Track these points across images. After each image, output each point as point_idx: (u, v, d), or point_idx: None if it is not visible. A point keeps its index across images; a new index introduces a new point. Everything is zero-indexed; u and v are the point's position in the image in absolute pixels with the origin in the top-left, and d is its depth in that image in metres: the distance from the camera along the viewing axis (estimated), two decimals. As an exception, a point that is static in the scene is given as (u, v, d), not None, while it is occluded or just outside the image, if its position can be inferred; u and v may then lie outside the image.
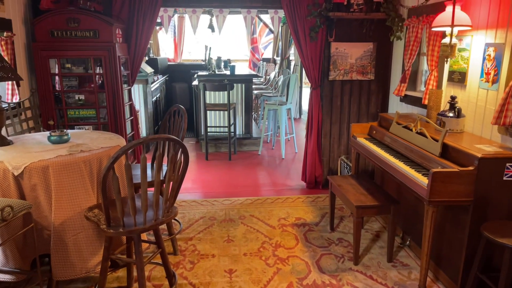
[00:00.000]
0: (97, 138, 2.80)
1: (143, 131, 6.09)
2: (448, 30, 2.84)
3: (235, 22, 9.16)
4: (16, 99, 3.41)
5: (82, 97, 3.84)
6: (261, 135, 6.17)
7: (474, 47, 2.87)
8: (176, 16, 8.95)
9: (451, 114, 2.91)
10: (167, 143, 2.95)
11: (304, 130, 7.70)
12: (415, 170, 2.66)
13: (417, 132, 2.95)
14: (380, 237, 3.43)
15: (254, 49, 10.99)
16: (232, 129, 5.91)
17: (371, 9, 4.08)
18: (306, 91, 9.95)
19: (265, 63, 10.28)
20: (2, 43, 3.23)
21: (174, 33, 10.39)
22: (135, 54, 4.07)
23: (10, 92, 3.38)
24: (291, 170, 5.33)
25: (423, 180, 2.48)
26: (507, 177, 2.35)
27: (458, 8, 2.73)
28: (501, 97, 2.50)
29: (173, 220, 3.43)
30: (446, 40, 2.84)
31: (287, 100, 6.38)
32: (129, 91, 4.14)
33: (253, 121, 7.31)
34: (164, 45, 10.35)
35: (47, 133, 2.77)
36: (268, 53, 11.04)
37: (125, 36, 3.99)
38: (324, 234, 3.47)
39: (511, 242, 2.09)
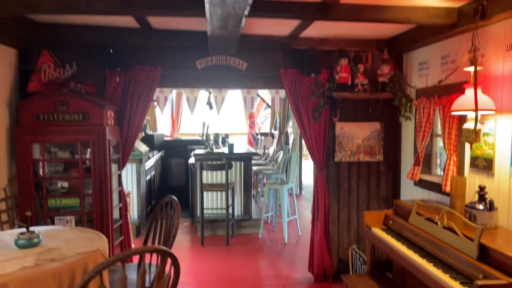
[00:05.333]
0: (74, 239, 2.39)
1: (134, 213, 5.66)
2: (469, 114, 2.60)
3: (233, 97, 9.18)
4: (-11, 190, 3.06)
5: (65, 184, 3.48)
6: (261, 216, 5.74)
7: (500, 131, 2.61)
8: (174, 91, 8.94)
9: (481, 207, 2.56)
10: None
11: (306, 208, 7.29)
12: (450, 276, 2.24)
13: (444, 227, 2.57)
14: None
15: (252, 123, 10.93)
16: (230, 211, 5.50)
17: (376, 89, 3.92)
18: (306, 164, 9.71)
19: (263, 137, 10.14)
20: (-20, 129, 2.95)
21: (172, 108, 10.36)
22: (128, 137, 3.80)
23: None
24: (295, 258, 4.82)
25: (464, 292, 2.05)
26: None
27: (479, 91, 2.52)
28: (543, 191, 2.18)
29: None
30: (469, 125, 2.58)
31: (287, 178, 6.06)
32: (119, 176, 3.81)
33: (252, 199, 6.91)
34: (162, 120, 10.27)
35: (16, 233, 2.36)
36: (266, 127, 10.97)
37: (118, 118, 3.75)
38: None
39: None
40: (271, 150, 8.76)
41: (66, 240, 2.36)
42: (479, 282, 1.92)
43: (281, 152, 7.82)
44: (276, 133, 9.42)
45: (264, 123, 11.33)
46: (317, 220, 4.11)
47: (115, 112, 3.71)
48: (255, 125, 10.95)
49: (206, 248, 5.16)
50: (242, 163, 5.93)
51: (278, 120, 9.25)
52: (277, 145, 8.93)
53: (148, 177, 6.24)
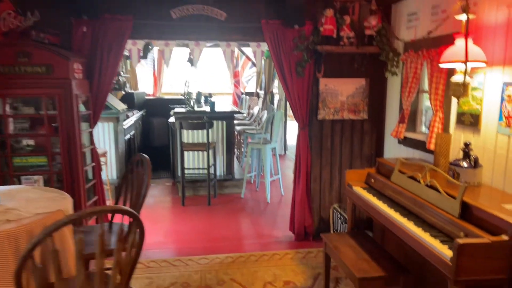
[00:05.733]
0: (35, 199, 2.24)
1: (113, 173, 5.50)
2: (458, 66, 2.44)
3: (216, 55, 8.85)
4: None
5: (31, 142, 3.28)
6: (244, 176, 5.65)
7: (489, 85, 2.47)
8: (156, 48, 8.56)
9: (466, 164, 2.46)
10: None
11: (290, 168, 7.22)
12: (430, 235, 2.17)
13: (426, 185, 2.49)
14: (384, 307, 2.88)
15: (237, 83, 10.65)
16: (212, 171, 5.39)
17: (362, 42, 3.71)
18: (291, 125, 9.58)
19: (248, 97, 9.90)
20: None
21: (154, 66, 9.99)
22: (98, 92, 3.56)
23: None
24: (277, 217, 4.79)
25: (444, 251, 1.98)
26: (549, 248, 1.88)
27: (470, 42, 2.35)
28: (530, 147, 2.08)
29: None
30: (458, 78, 2.43)
31: (271, 138, 5.93)
32: (91, 134, 3.61)
33: (235, 159, 6.81)
34: (143, 78, 9.92)
35: (-27, 193, 2.20)
36: (251, 87, 10.70)
37: (87, 72, 3.50)
38: (319, 305, 2.91)
39: None
40: (255, 110, 8.56)
41: (26, 200, 2.21)
42: (460, 241, 1.84)
43: (266, 111, 7.65)
44: (261, 92, 9.19)
45: (249, 82, 11.06)
46: (299, 179, 4.02)
47: (84, 65, 3.46)
48: (240, 84, 10.68)
49: (187, 208, 5.08)
50: (224, 122, 5.76)
51: (263, 80, 9.00)
52: (262, 105, 8.74)
53: (128, 136, 6.04)
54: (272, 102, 8.81)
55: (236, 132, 7.72)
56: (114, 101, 5.57)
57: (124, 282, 1.72)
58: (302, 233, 4.05)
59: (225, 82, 11.37)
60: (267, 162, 5.42)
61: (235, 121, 8.02)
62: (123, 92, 7.82)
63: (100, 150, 4.24)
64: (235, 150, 7.64)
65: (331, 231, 4.03)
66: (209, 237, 4.16)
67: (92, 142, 3.63)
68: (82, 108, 3.43)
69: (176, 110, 5.68)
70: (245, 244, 4.03)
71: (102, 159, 4.88)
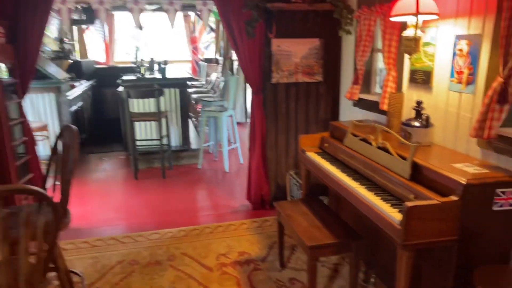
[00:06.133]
0: None
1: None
2: (409, 20, 2.29)
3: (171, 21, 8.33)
4: None
5: None
6: (200, 146, 5.44)
7: (441, 40, 2.35)
8: (104, 14, 7.94)
9: (417, 124, 2.37)
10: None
11: (250, 136, 7.07)
12: (381, 199, 2.08)
13: (378, 147, 2.38)
14: (339, 273, 2.84)
15: (195, 49, 10.20)
16: (166, 141, 5.13)
17: (315, -1, 3.50)
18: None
19: (206, 64, 9.52)
20: None
21: (103, 33, 9.34)
22: (26, 57, 3.18)
23: None
24: (235, 187, 4.65)
25: (393, 215, 1.89)
26: (497, 207, 1.83)
27: (422, -8, 2.19)
28: (481, 103, 1.99)
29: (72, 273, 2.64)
30: (409, 32, 2.29)
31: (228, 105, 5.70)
32: (19, 105, 3.25)
33: (193, 129, 6.56)
34: (94, 46, 9.28)
35: None
36: (210, 53, 10.29)
37: (10, 36, 3.10)
38: (273, 274, 2.82)
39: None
40: (213, 77, 8.24)
41: None
42: (409, 204, 1.74)
43: (223, 78, 7.37)
44: (221, 59, 8.84)
45: (208, 48, 10.63)
46: (254, 146, 3.86)
47: (6, 28, 3.05)
48: (198, 50, 10.24)
49: (140, 182, 4.84)
50: (178, 89, 5.45)
51: (222, 45, 8.63)
52: (222, 72, 8.41)
53: (74, 108, 5.63)
54: (232, 68, 8.51)
55: (193, 101, 7.42)
56: (54, 70, 5.12)
57: (40, 270, 1.51)
58: (259, 202, 3.94)
59: (183, 49, 10.86)
60: (224, 130, 5.21)
61: (192, 89, 7.72)
62: (70, 61, 7.27)
63: (37, 124, 3.88)
64: (193, 119, 7.37)
65: (288, 198, 3.94)
66: (163, 211, 3.98)
67: (22, 114, 3.28)
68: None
69: (124, 78, 5.30)
70: (200, 216, 3.88)
71: (43, 132, 4.52)
